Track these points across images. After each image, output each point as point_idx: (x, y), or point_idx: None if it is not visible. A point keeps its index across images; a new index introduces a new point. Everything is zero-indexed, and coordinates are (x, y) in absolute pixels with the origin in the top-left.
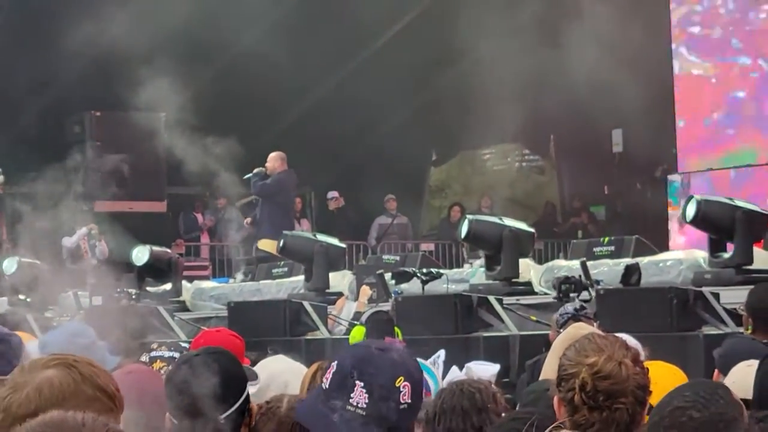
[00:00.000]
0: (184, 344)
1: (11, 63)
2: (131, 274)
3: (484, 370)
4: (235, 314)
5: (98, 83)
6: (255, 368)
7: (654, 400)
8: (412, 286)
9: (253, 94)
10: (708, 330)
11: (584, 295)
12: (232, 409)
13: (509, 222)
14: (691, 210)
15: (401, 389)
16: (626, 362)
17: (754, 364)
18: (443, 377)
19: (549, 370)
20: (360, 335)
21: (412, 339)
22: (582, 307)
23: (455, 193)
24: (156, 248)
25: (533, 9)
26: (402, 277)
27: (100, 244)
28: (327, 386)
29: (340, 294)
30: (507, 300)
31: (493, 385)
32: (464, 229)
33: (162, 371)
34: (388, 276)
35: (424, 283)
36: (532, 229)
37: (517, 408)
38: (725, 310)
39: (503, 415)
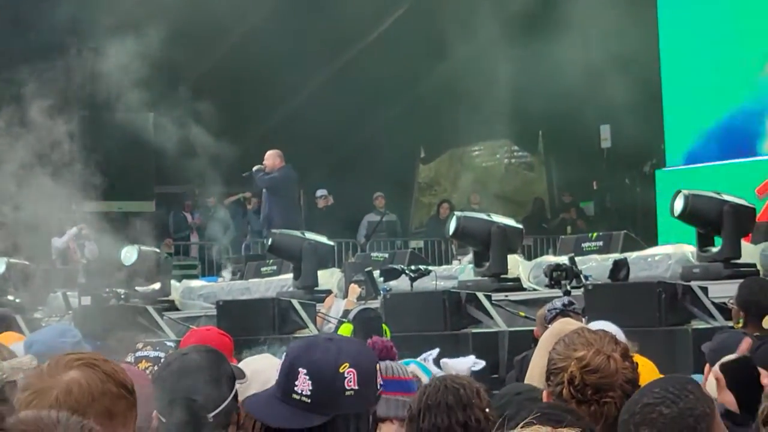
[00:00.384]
0: (169, 344)
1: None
2: (120, 274)
3: (460, 362)
4: (224, 313)
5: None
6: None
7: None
8: (401, 284)
9: (242, 92)
10: (697, 324)
11: (575, 282)
12: (221, 407)
13: (497, 218)
14: (678, 204)
15: (345, 375)
16: (615, 356)
17: None
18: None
19: (536, 366)
20: (347, 333)
21: (401, 336)
22: (570, 303)
23: (444, 189)
24: (144, 248)
25: (521, 6)
26: (390, 274)
27: (89, 243)
28: (277, 377)
29: (329, 292)
30: (496, 296)
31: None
32: (452, 226)
33: (147, 371)
34: (376, 273)
35: (412, 280)
36: (520, 225)
37: None
38: (714, 304)
39: (487, 410)
